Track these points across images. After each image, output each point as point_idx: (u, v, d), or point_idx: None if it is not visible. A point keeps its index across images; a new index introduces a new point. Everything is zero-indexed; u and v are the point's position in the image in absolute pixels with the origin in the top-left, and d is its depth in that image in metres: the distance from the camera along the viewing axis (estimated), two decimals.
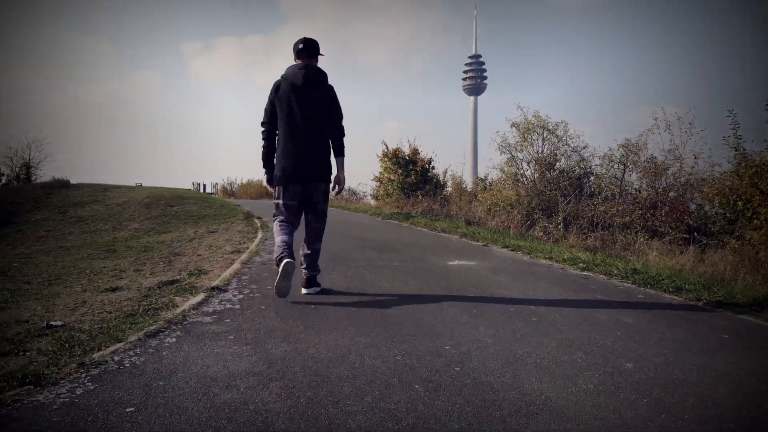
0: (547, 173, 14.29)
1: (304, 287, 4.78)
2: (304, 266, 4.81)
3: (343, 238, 9.43)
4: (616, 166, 13.25)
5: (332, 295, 4.76)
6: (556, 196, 13.74)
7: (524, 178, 15.41)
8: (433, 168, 23.93)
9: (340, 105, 4.57)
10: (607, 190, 12.96)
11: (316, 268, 4.85)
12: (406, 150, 23.98)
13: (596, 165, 14.38)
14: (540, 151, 15.21)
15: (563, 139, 14.62)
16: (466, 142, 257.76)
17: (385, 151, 23.85)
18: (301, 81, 4.39)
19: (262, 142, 4.60)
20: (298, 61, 4.59)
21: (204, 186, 67.03)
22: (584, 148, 14.51)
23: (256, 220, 13.02)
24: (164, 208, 16.14)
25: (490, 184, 23.40)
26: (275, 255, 4.33)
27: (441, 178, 24.44)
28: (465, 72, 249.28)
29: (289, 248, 4.37)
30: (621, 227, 11.17)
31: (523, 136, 15.06)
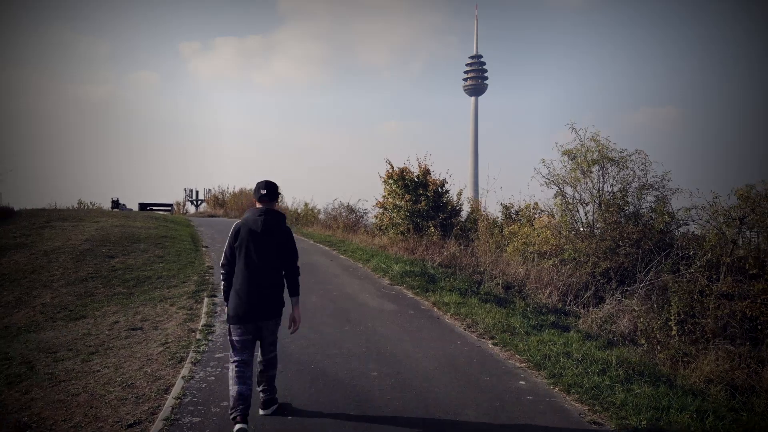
0: (623, 221, 10.13)
1: (262, 408, 4.76)
2: (261, 389, 4.79)
3: (319, 377, 5.39)
4: (721, 220, 9.10)
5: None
6: (635, 256, 9.62)
7: (580, 224, 11.27)
8: (446, 192, 19.80)
9: (296, 246, 4.85)
10: (711, 255, 8.76)
11: (274, 389, 4.84)
12: (415, 170, 19.85)
13: (682, 211, 10.22)
14: (599, 188, 11.09)
15: (637, 173, 10.48)
16: (467, 143, 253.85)
17: (390, 171, 19.70)
18: (260, 228, 4.58)
19: (222, 282, 4.72)
20: (259, 205, 4.73)
21: (196, 193, 62.93)
22: (665, 184, 10.36)
23: (211, 296, 8.88)
24: (101, 261, 12.02)
25: (516, 213, 19.28)
26: (230, 406, 4.35)
27: (455, 201, 20.34)
28: (466, 72, 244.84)
29: (244, 405, 4.33)
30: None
31: (581, 167, 10.92)
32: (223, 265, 4.69)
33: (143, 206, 36.71)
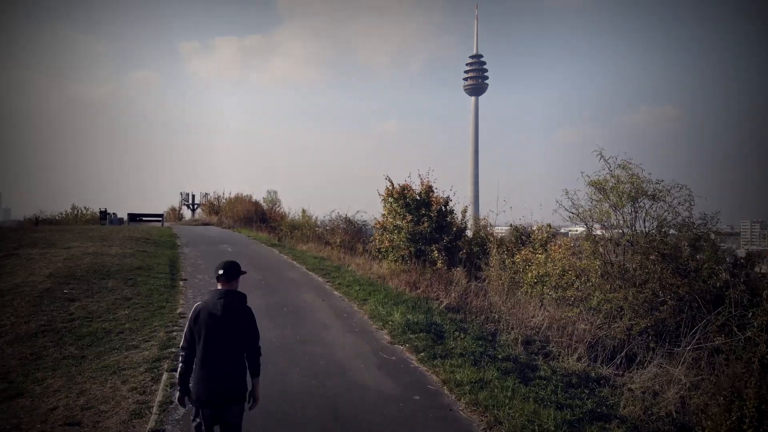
0: (663, 268, 8.53)
1: None
2: None
3: None
4: None
5: None
6: (679, 311, 8.03)
7: (610, 265, 9.66)
8: (451, 212, 18.20)
9: (257, 326, 4.67)
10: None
11: None
12: (417, 187, 18.26)
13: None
14: (633, 226, 9.49)
15: (680, 212, 8.88)
16: (467, 143, 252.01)
17: (390, 189, 18.09)
18: (220, 312, 4.47)
19: (180, 365, 4.54)
20: (219, 286, 4.65)
21: (192, 197, 61.51)
22: (714, 225, 8.75)
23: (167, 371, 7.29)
24: (59, 307, 10.41)
25: (528, 236, 17.65)
26: None
27: (459, 220, 18.73)
28: (466, 72, 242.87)
29: None
30: None
31: (612, 202, 9.32)
32: (182, 348, 4.57)
33: (133, 217, 34.99)
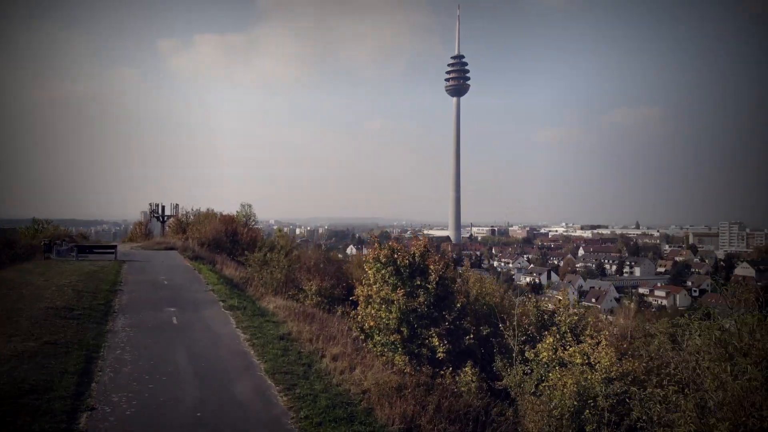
0: None
1: None
2: None
3: None
4: None
5: None
6: None
7: None
8: (452, 280, 14.35)
9: None
10: None
11: None
12: (410, 246, 14.37)
13: None
14: None
15: None
16: (449, 143, 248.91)
17: (377, 252, 14.12)
18: None
19: None
20: None
21: (162, 209, 56.82)
22: None
23: None
24: None
25: (551, 316, 13.78)
26: None
27: (465, 289, 14.86)
28: (448, 73, 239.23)
29: None
30: None
31: None
32: None
33: (83, 249, 30.26)
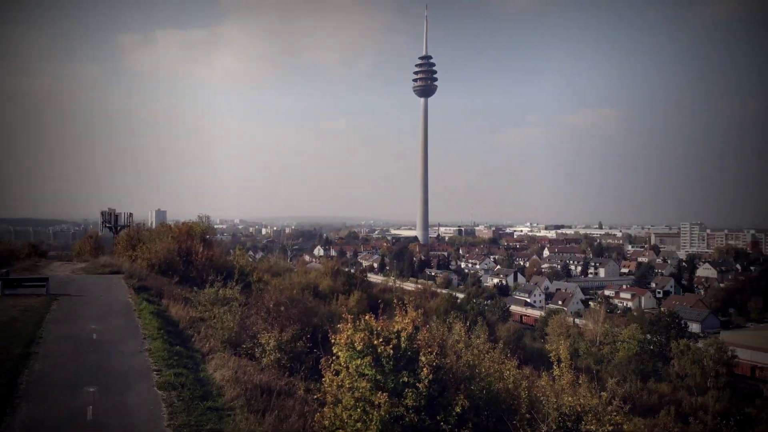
0: None
1: None
2: None
3: None
4: None
5: None
6: None
7: None
8: (450, 370, 11.10)
9: None
10: None
11: None
12: (391, 323, 11.10)
13: None
14: None
15: None
16: (417, 143, 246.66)
17: (350, 334, 10.77)
18: None
19: None
20: None
21: (115, 218, 51.96)
22: None
23: None
24: None
25: None
26: None
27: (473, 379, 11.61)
28: (416, 73, 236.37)
29: None
30: None
31: None
32: None
33: (9, 283, 25.44)
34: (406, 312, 10.88)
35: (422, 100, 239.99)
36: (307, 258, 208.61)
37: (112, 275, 32.90)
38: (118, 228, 50.74)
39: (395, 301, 11.97)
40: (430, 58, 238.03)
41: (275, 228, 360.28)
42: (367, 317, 10.82)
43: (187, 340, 18.81)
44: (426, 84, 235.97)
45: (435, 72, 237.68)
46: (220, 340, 18.50)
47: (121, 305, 23.56)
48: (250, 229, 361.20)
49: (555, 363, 12.17)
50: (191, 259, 36.18)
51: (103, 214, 53.04)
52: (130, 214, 55.43)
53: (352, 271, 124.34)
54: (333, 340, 10.95)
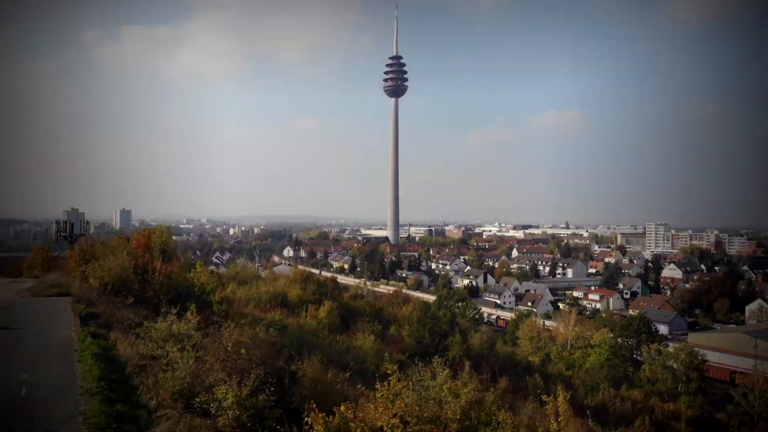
0: None
1: None
2: None
3: None
4: None
5: None
6: None
7: None
8: None
9: None
10: None
11: None
12: (374, 409, 8.93)
13: None
14: None
15: None
16: (387, 142, 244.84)
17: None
18: None
19: None
20: None
21: (71, 226, 48.50)
22: None
23: None
24: None
25: None
26: None
27: None
28: (386, 73, 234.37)
29: None
30: None
31: None
32: None
33: None
34: (393, 402, 8.71)
35: (393, 100, 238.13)
36: (276, 259, 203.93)
37: (59, 298, 29.81)
38: (74, 237, 47.52)
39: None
40: (401, 58, 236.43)
41: (243, 228, 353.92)
42: (342, 408, 8.62)
43: (132, 392, 16.28)
44: (396, 84, 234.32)
45: (405, 72, 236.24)
46: (170, 392, 16.01)
47: (62, 343, 20.67)
48: (218, 229, 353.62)
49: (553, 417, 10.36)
50: (148, 278, 33.41)
51: (57, 223, 49.86)
52: (87, 222, 52.18)
53: (323, 273, 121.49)
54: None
